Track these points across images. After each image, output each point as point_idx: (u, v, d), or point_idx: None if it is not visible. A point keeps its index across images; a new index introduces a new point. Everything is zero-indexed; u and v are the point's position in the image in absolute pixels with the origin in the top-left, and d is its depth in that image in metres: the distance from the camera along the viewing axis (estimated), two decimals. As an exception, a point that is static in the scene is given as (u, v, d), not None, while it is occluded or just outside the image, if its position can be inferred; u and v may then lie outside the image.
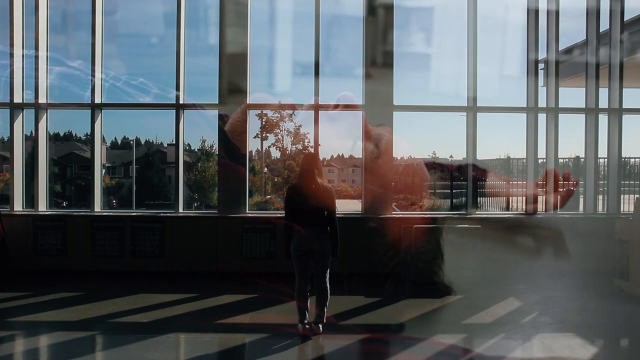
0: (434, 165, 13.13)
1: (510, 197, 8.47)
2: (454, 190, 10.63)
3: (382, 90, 6.81)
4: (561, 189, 7.26)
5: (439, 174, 12.47)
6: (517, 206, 8.32)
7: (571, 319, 4.94)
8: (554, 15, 7.06)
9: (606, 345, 4.50)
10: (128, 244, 6.69)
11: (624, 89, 7.20)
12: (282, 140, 19.21)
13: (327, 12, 7.14)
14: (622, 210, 7.27)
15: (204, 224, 6.79)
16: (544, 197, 7.09)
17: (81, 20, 7.21)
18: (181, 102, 6.89)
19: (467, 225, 6.42)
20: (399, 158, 13.20)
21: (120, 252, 6.69)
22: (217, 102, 6.81)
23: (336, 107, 7.02)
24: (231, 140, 6.75)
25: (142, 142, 30.04)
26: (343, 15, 8.10)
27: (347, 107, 7.09)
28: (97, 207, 6.96)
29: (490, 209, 9.77)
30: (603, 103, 7.22)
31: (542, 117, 7.15)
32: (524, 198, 7.38)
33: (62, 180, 27.80)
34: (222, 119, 6.75)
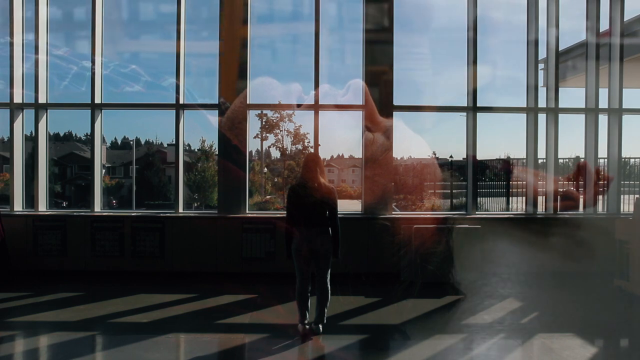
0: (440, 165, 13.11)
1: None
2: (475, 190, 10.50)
3: (382, 90, 6.81)
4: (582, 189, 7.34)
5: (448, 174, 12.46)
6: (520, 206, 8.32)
7: (571, 319, 4.94)
8: (554, 15, 7.07)
9: (606, 345, 4.50)
10: (128, 244, 6.68)
11: (624, 89, 7.20)
12: (282, 141, 19.18)
13: (327, 11, 7.15)
14: (622, 210, 7.28)
15: (204, 224, 6.79)
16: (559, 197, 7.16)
17: (81, 21, 7.21)
18: (181, 102, 6.90)
19: (467, 226, 6.42)
20: (399, 158, 13.21)
21: (120, 252, 6.69)
22: (217, 102, 6.81)
23: (336, 107, 7.03)
24: (231, 141, 6.75)
25: (142, 142, 30.07)
26: (343, 15, 8.10)
27: (347, 107, 7.10)
28: (97, 207, 6.96)
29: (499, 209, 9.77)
30: (603, 103, 7.23)
31: (542, 117, 7.16)
32: (524, 198, 7.40)
33: (62, 181, 27.81)
34: (221, 118, 6.76)
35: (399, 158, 13.46)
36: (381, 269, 6.48)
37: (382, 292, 5.83)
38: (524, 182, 7.44)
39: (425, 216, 7.07)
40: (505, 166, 10.17)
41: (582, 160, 7.42)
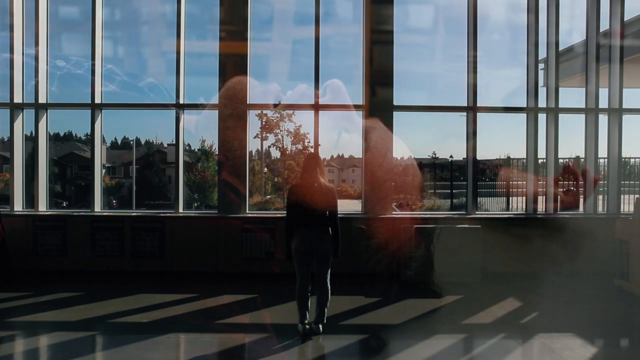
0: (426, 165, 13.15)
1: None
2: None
3: (382, 90, 6.81)
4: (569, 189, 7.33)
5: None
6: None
7: (571, 319, 4.94)
8: (554, 15, 7.06)
9: (606, 345, 4.50)
10: (128, 244, 6.68)
11: (624, 89, 7.20)
12: (282, 141, 19.19)
13: (327, 11, 7.15)
14: (622, 210, 7.27)
15: (204, 224, 6.78)
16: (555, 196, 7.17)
17: (81, 21, 7.21)
18: (181, 102, 6.90)
19: (467, 226, 6.42)
20: (398, 158, 13.19)
21: (120, 252, 6.69)
22: (217, 102, 6.81)
23: (337, 107, 7.03)
24: (231, 140, 6.75)
25: (142, 142, 30.09)
26: (343, 15, 8.11)
27: (347, 107, 7.09)
28: (97, 207, 6.96)
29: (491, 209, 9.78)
30: (603, 103, 7.22)
31: (542, 117, 7.15)
32: (524, 198, 7.40)
33: (62, 180, 27.83)
34: (221, 117, 6.76)
35: (398, 158, 13.45)
36: (380, 269, 6.46)
37: (380, 291, 5.82)
38: (523, 182, 7.44)
39: (425, 216, 7.05)
40: (505, 166, 10.18)
41: (569, 161, 7.42)
